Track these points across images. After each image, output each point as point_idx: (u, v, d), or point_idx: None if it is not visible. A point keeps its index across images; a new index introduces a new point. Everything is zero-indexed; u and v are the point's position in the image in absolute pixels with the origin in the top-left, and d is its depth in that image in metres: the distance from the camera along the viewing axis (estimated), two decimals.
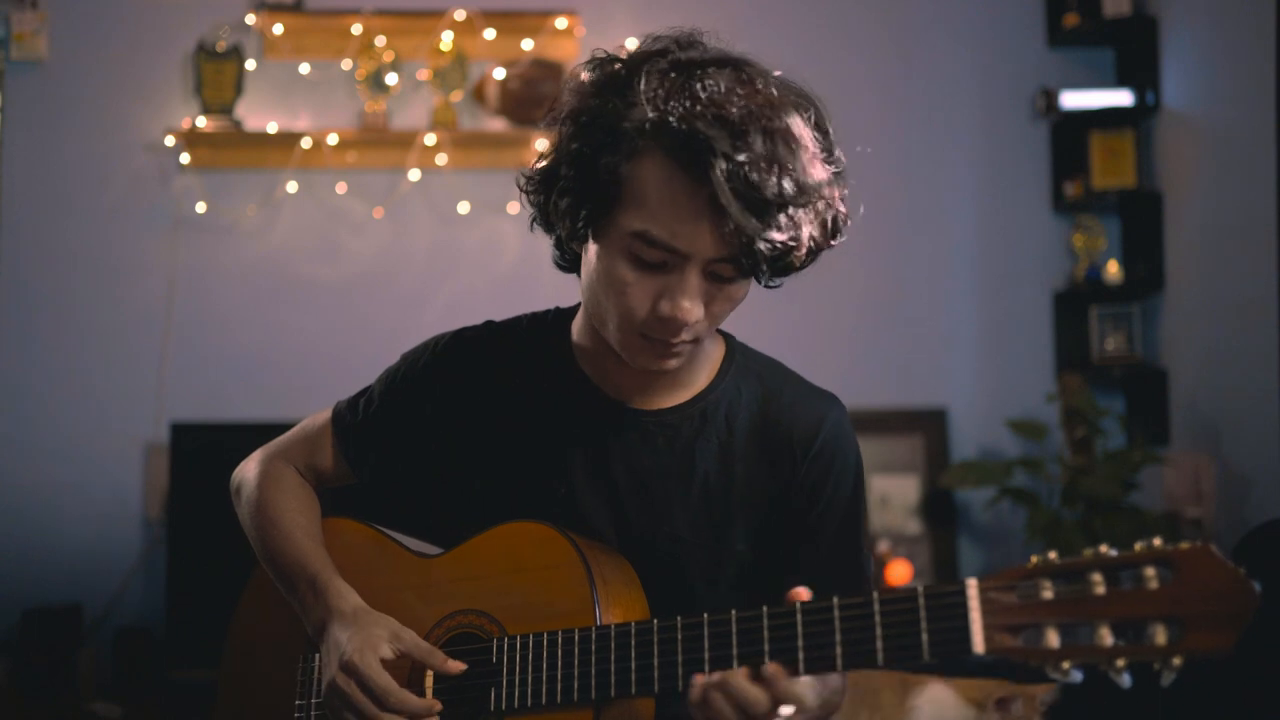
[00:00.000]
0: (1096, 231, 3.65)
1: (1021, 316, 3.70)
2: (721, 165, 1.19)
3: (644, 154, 1.23)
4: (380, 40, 3.54)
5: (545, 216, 1.35)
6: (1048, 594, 1.03)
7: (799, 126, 1.24)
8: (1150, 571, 1.00)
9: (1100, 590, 1.01)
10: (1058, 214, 3.71)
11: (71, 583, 3.35)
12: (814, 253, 1.30)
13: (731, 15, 3.58)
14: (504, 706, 1.30)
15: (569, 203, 1.29)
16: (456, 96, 3.57)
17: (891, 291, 3.66)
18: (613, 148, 1.24)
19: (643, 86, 1.23)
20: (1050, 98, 3.61)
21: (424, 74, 3.59)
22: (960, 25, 3.73)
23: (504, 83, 3.55)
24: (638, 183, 1.24)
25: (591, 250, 1.31)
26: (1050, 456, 3.41)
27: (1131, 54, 3.64)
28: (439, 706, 1.32)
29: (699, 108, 1.20)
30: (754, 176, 1.19)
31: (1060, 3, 3.68)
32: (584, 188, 1.27)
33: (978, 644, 1.05)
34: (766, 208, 1.20)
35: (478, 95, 3.61)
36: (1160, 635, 0.98)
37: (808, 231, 1.25)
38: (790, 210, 1.22)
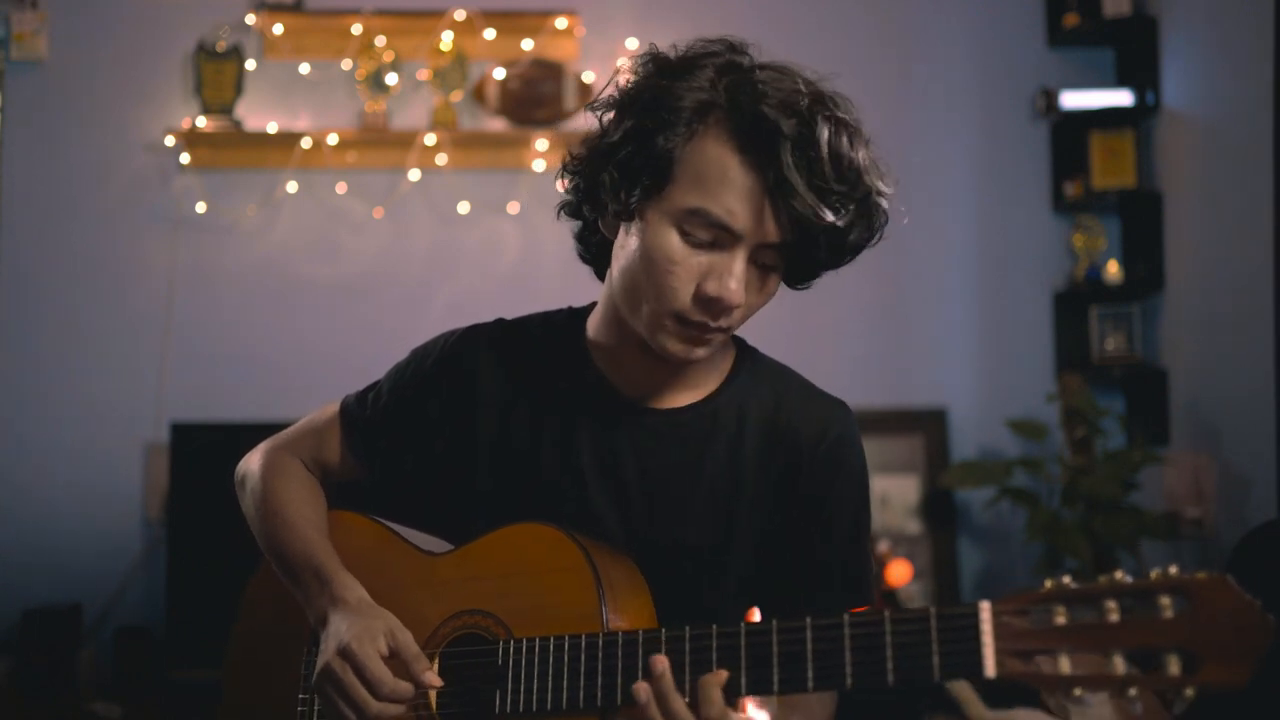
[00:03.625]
0: (1096, 231, 3.65)
1: (1021, 316, 3.70)
2: (790, 147, 1.22)
3: (706, 133, 1.26)
4: (380, 40, 3.54)
5: (590, 195, 1.35)
6: (1061, 619, 1.03)
7: (859, 123, 1.29)
8: (1165, 600, 0.99)
9: (1114, 618, 1.01)
10: (1058, 214, 3.71)
11: (71, 583, 3.35)
12: (857, 249, 1.32)
13: (731, 14, 3.58)
14: (508, 710, 1.29)
15: (622, 177, 1.30)
16: (456, 96, 3.57)
17: (891, 291, 3.65)
18: (672, 125, 1.26)
19: (706, 71, 1.27)
20: (1050, 98, 3.61)
21: (424, 74, 3.59)
22: (960, 25, 3.73)
23: (504, 83, 3.55)
24: (697, 161, 1.26)
25: (634, 231, 1.31)
26: (1050, 456, 3.40)
27: (1131, 54, 3.64)
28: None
29: (768, 93, 1.24)
30: (820, 161, 1.23)
31: (1060, 3, 3.68)
32: (640, 163, 1.28)
33: (989, 668, 1.05)
34: (830, 192, 1.24)
35: (478, 95, 3.61)
36: (1174, 666, 0.98)
37: (860, 228, 1.29)
38: (851, 198, 1.25)
